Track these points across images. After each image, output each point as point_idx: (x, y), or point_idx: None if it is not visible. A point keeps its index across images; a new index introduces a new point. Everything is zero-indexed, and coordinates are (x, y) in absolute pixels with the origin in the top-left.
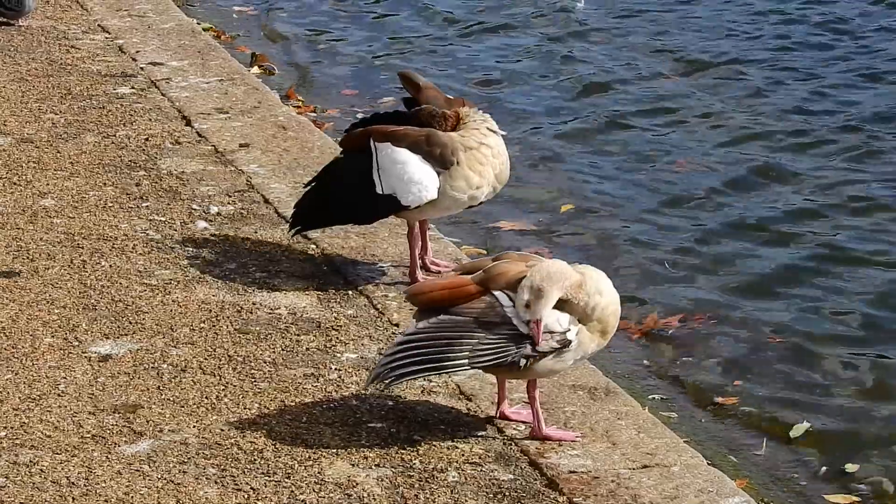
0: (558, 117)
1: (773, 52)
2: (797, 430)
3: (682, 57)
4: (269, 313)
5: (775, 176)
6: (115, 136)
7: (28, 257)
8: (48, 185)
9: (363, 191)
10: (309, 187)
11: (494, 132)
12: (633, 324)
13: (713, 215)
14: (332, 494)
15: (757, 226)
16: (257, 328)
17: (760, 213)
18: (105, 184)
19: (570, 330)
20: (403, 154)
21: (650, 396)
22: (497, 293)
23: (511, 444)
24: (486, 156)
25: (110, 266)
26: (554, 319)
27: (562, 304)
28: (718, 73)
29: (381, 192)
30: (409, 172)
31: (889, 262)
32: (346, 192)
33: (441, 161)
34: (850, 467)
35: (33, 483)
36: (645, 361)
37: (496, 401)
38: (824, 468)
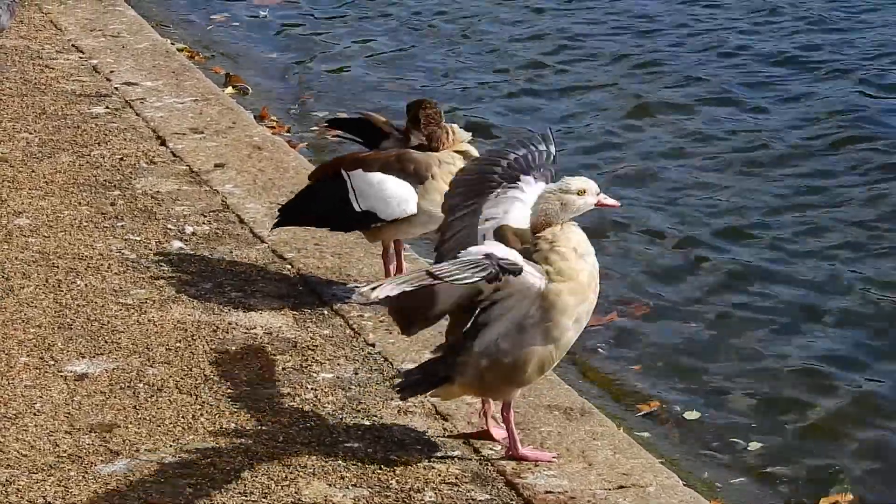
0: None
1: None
2: (690, 416)
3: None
4: (245, 333)
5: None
6: (89, 155)
7: (3, 276)
8: (23, 204)
9: (342, 212)
10: (289, 202)
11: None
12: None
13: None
14: None
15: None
16: (233, 348)
17: (690, 207)
18: (80, 203)
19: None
20: (378, 175)
21: (620, 416)
22: None
23: (488, 465)
24: None
25: (86, 285)
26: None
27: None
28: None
29: (359, 211)
30: (388, 189)
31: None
32: (322, 218)
33: (416, 176)
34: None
35: (9, 503)
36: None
37: (482, 412)
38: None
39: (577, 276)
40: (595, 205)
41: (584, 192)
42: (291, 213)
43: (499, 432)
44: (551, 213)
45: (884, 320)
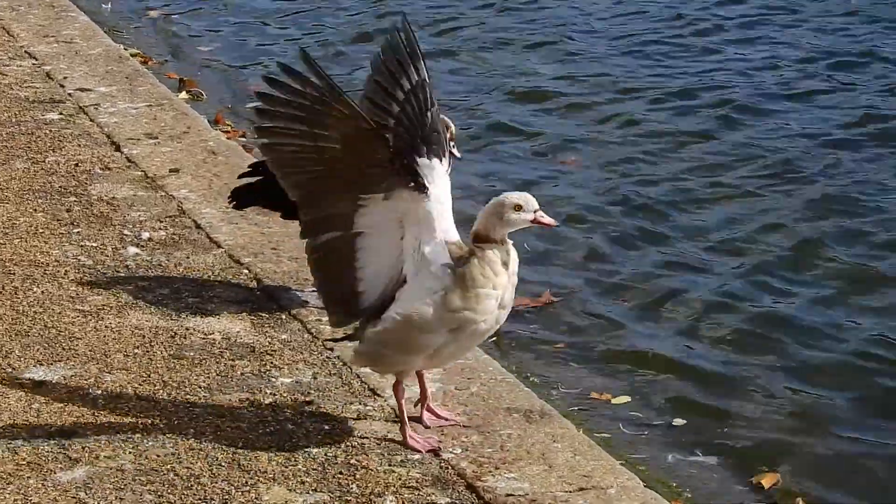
0: None
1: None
2: (618, 400)
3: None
4: (203, 338)
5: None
6: (44, 162)
7: None
8: None
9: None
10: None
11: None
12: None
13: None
14: None
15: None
16: (191, 353)
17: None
18: (35, 210)
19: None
20: None
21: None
22: None
23: (448, 468)
24: None
25: (42, 292)
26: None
27: None
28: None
29: None
30: None
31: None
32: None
33: None
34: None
35: None
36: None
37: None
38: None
39: (476, 306)
40: (531, 221)
41: (521, 207)
42: (248, 198)
43: (432, 419)
44: (489, 226)
45: (824, 299)
